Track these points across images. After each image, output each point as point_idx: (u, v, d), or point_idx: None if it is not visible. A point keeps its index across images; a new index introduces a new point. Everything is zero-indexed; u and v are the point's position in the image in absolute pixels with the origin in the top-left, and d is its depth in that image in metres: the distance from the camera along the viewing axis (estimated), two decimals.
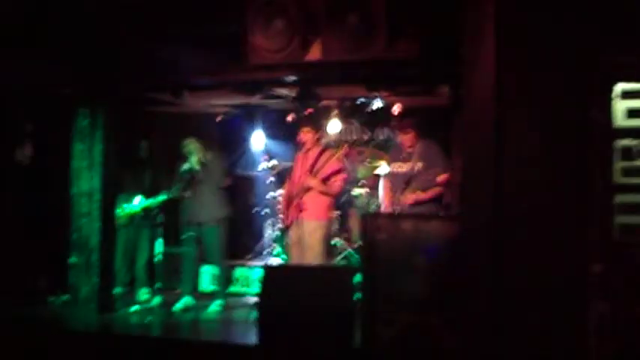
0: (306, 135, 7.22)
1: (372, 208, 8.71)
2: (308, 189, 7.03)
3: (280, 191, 8.72)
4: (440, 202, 6.95)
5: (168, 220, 7.67)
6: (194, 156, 7.57)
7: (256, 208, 10.08)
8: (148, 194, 7.89)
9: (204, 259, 7.94)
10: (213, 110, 9.84)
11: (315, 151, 7.24)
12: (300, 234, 7.06)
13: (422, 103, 8.61)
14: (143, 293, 7.85)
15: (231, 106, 9.68)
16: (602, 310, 4.63)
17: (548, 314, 4.69)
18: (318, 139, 7.48)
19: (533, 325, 4.72)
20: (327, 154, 7.20)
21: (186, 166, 7.55)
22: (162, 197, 7.75)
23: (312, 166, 7.12)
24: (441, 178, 6.81)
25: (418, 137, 7.06)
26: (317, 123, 7.73)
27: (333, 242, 8.53)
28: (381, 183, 7.56)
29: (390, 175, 7.33)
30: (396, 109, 8.49)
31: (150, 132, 8.35)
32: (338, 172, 7.13)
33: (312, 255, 6.96)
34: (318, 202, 7.08)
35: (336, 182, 7.12)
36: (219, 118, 9.75)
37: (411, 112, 8.29)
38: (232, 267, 8.53)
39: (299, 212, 7.05)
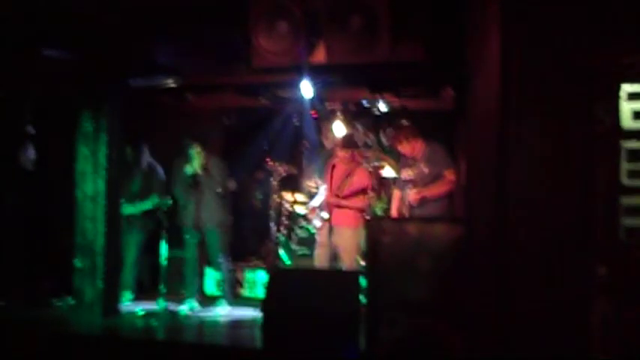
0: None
1: (378, 211, 8.65)
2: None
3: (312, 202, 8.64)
4: (449, 203, 6.94)
5: (172, 224, 7.64)
6: (196, 160, 7.55)
7: (262, 212, 10.03)
8: (137, 200, 7.92)
9: (207, 263, 7.96)
10: (217, 113, 9.82)
11: (347, 167, 7.50)
12: (333, 238, 7.30)
13: (426, 106, 8.58)
14: (126, 297, 7.86)
15: (236, 109, 9.67)
16: (606, 311, 4.61)
17: (552, 316, 4.67)
18: (353, 158, 7.62)
19: (537, 327, 4.70)
20: (360, 172, 7.53)
21: (189, 170, 7.54)
22: (146, 205, 7.85)
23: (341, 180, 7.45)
24: (447, 176, 6.81)
25: (421, 141, 7.04)
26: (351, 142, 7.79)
27: None
28: (394, 193, 7.59)
29: (399, 183, 7.36)
30: None
31: (145, 137, 8.32)
32: (364, 189, 7.46)
33: (348, 259, 7.27)
34: (349, 211, 7.39)
35: (361, 199, 7.44)
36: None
37: (415, 115, 8.29)
38: (237, 270, 8.50)
39: (335, 219, 7.35)
